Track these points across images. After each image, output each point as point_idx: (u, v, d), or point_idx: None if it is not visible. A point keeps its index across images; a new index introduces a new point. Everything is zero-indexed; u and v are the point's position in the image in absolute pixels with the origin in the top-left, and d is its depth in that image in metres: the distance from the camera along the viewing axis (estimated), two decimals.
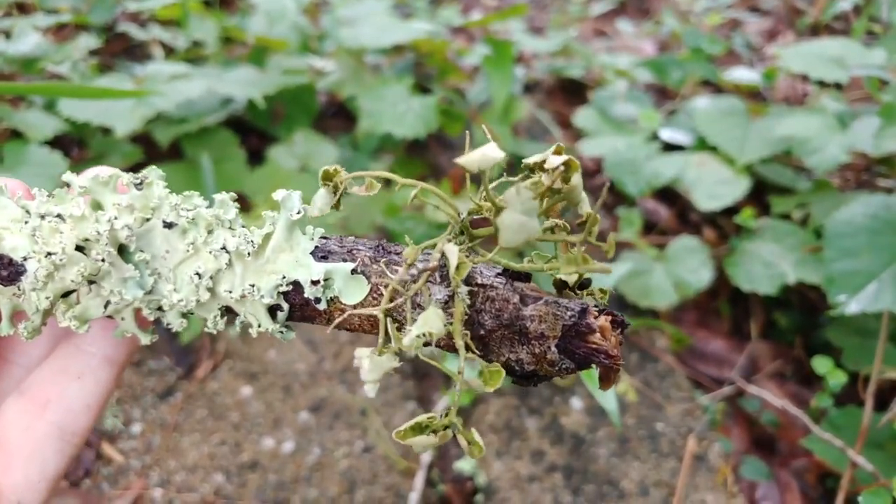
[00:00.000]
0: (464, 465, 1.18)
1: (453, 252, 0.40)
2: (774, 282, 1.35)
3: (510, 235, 0.38)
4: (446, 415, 0.43)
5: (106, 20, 1.89)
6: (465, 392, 1.23)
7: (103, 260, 0.44)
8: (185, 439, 1.20)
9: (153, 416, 1.24)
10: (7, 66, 1.54)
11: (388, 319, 0.43)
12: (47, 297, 0.44)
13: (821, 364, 1.13)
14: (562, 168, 0.39)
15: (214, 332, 0.48)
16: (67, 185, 0.46)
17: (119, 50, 1.96)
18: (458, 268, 0.40)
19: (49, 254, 0.43)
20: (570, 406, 1.29)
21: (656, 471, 1.19)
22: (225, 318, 0.48)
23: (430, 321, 0.39)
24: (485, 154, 0.37)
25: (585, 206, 0.42)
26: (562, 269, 0.40)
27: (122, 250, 0.45)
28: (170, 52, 1.89)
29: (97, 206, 0.45)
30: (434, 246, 0.44)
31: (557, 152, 0.42)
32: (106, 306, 0.46)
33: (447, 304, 0.43)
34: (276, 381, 1.30)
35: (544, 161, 0.42)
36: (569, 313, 0.43)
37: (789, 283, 1.34)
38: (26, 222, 0.44)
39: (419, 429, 0.42)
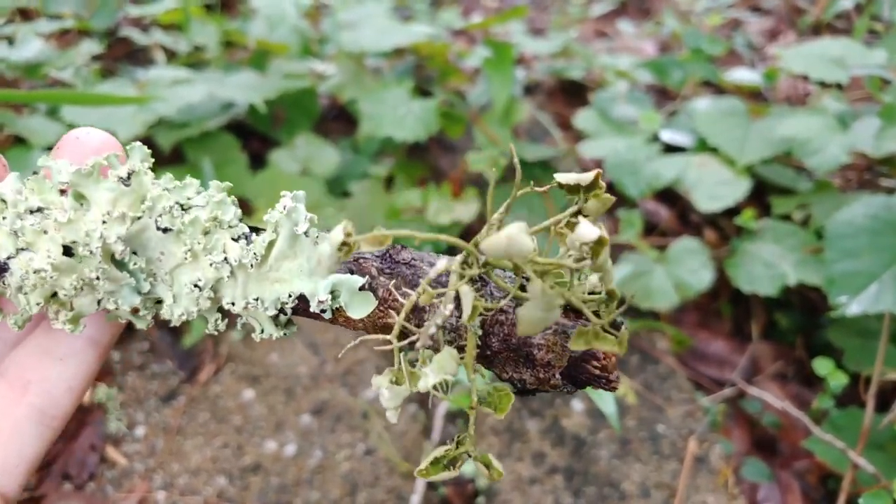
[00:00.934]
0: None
1: (468, 297, 0.38)
2: (775, 283, 1.35)
3: (526, 328, 0.37)
4: (459, 443, 0.43)
5: (108, 25, 1.90)
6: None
7: (97, 277, 0.42)
8: (187, 442, 1.21)
9: (156, 419, 1.24)
10: (10, 72, 1.55)
11: (402, 354, 0.43)
12: (38, 304, 0.42)
13: (822, 365, 1.13)
14: (588, 250, 0.37)
15: (216, 332, 0.46)
16: (46, 169, 0.43)
17: (121, 55, 1.97)
18: (471, 312, 0.39)
19: (37, 271, 0.41)
20: (570, 408, 1.29)
21: (657, 472, 1.20)
22: (226, 320, 0.47)
23: (446, 364, 0.39)
24: (511, 239, 0.32)
25: (609, 281, 0.40)
26: (572, 344, 0.39)
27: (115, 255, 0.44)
28: (171, 56, 1.90)
29: (80, 198, 0.43)
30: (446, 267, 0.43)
31: (596, 178, 0.41)
32: (99, 303, 0.44)
33: (456, 324, 0.43)
34: (278, 385, 1.31)
35: (579, 185, 0.41)
36: None
37: (790, 284, 1.34)
38: (4, 217, 0.42)
39: (438, 462, 0.42)
